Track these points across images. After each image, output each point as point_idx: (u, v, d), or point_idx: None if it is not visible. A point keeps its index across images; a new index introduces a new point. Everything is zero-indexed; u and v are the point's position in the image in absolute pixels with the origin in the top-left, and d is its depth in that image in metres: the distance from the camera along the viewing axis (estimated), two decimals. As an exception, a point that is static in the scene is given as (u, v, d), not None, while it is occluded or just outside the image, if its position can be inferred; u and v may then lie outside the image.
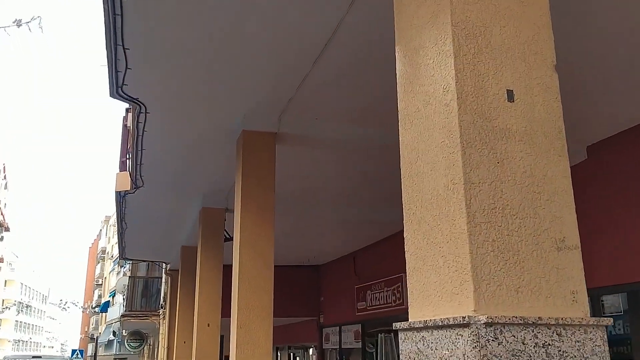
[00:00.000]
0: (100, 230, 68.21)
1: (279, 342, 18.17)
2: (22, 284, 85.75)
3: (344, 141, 6.23)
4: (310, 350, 15.48)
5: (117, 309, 44.86)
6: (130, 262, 15.97)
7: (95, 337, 52.65)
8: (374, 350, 12.31)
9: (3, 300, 67.90)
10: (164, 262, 15.10)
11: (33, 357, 17.06)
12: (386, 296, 11.32)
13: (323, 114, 5.69)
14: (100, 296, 60.74)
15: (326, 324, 14.89)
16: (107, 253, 59.40)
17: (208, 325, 8.10)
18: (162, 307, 15.59)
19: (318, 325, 15.32)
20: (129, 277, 17.03)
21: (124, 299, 20.32)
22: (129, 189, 8.16)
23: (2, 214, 55.46)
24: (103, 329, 49.21)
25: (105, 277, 58.91)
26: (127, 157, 7.75)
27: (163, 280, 16.50)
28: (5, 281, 79.63)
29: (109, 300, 50.58)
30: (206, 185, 8.18)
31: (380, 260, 11.85)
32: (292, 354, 17.72)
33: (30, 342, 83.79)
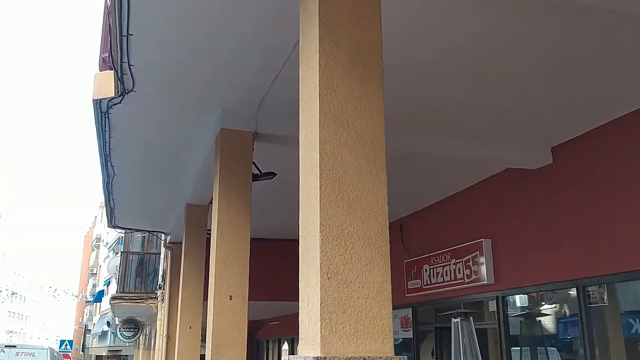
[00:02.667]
0: (96, 217, 65.47)
1: (293, 332, 15.54)
2: (14, 272, 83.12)
3: None
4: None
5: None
6: (123, 231, 13.32)
7: (89, 328, 50.08)
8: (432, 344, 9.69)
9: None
10: (163, 233, 12.43)
11: (6, 346, 14.32)
12: (454, 271, 8.67)
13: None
14: (94, 285, 58.14)
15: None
16: (102, 240, 56.74)
17: (230, 298, 5.44)
18: (160, 288, 12.95)
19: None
20: (121, 252, 14.38)
21: (116, 281, 17.68)
22: (112, 94, 5.48)
23: (-9, 198, 52.66)
24: (97, 320, 46.62)
25: (100, 266, 56.29)
26: (110, 49, 5.09)
27: (161, 256, 13.85)
28: (-3, 270, 76.99)
29: (103, 290, 47.95)
30: (229, 91, 5.53)
31: (443, 225, 9.21)
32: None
33: (22, 332, 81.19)
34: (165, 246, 12.46)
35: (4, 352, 13.97)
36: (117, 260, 19.72)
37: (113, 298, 13.53)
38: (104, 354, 44.82)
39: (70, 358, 24.13)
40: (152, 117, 6.12)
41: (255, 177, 5.97)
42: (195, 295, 8.86)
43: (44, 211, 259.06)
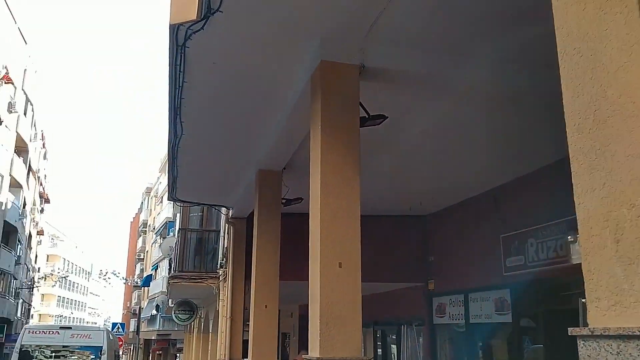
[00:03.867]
0: (142, 203, 66.03)
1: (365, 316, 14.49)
2: (64, 259, 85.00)
3: None
4: (413, 327, 11.72)
5: (159, 283, 42.30)
6: (181, 204, 12.50)
7: (137, 312, 50.47)
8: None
9: (45, 275, 66.70)
10: (224, 207, 11.53)
11: (61, 327, 13.76)
12: (569, 244, 7.42)
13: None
14: (142, 270, 58.66)
15: (439, 292, 11.10)
16: (149, 226, 57.07)
17: (340, 266, 4.39)
18: (221, 267, 12.11)
19: (425, 294, 11.54)
20: (179, 229, 13.61)
21: (171, 261, 17.04)
22: (194, 17, 4.47)
23: (42, 184, 53.48)
24: (145, 304, 46.82)
25: (147, 251, 56.68)
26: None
27: (221, 234, 13.00)
28: (48, 256, 78.80)
29: (151, 274, 48.16)
30: (330, 14, 4.45)
31: (557, 192, 7.94)
32: (380, 331, 14.02)
33: (72, 317, 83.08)
34: (227, 222, 11.58)
35: (59, 333, 13.43)
36: (170, 240, 19.08)
37: (172, 277, 12.77)
38: (153, 337, 45.00)
39: (122, 341, 23.81)
40: (237, 49, 5.08)
41: (363, 121, 4.89)
42: (271, 272, 7.89)
43: (91, 197, 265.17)
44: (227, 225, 11.82)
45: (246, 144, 7.61)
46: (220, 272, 12.28)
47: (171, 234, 25.52)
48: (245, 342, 10.15)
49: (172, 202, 28.72)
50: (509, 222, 8.82)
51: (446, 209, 10.95)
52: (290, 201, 8.33)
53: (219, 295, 12.61)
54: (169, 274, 21.77)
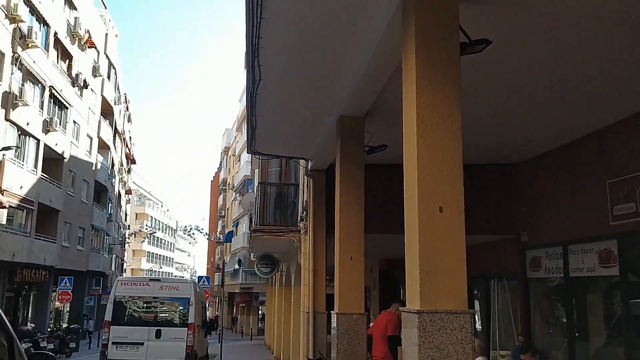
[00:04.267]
0: (220, 162, 67.73)
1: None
2: (151, 217, 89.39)
3: None
4: (505, 282, 11.11)
5: (240, 239, 43.56)
6: (260, 157, 12.38)
7: (220, 266, 52.47)
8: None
9: (135, 232, 70.51)
10: (303, 159, 11.26)
11: (150, 279, 14.25)
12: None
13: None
14: (223, 227, 60.64)
15: (534, 244, 10.41)
16: (228, 184, 58.54)
17: (441, 210, 3.95)
18: (302, 220, 11.96)
19: (518, 247, 10.87)
20: (259, 183, 13.56)
21: (251, 216, 17.17)
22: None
23: (127, 146, 55.87)
24: (228, 259, 48.46)
25: (228, 208, 58.39)
26: None
27: (300, 187, 12.81)
28: (136, 214, 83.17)
29: (232, 231, 49.72)
30: None
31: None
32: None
33: (161, 271, 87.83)
34: (306, 174, 11.33)
35: (148, 285, 13.93)
36: (250, 196, 19.25)
37: (254, 231, 12.81)
38: (236, 291, 46.71)
39: (208, 294, 24.65)
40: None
41: (462, 48, 4.31)
42: (355, 222, 7.54)
43: (174, 157, 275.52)
44: (306, 178, 11.58)
45: (326, 88, 7.18)
46: (301, 225, 12.14)
47: (250, 190, 25.87)
48: (329, 296, 10.02)
49: (250, 155, 29.08)
50: (617, 167, 7.96)
51: (541, 156, 10.13)
52: (374, 149, 7.88)
53: (300, 249, 12.51)
54: (249, 229, 22.13)
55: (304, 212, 11.99)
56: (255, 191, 18.40)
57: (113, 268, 47.71)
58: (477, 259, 12.26)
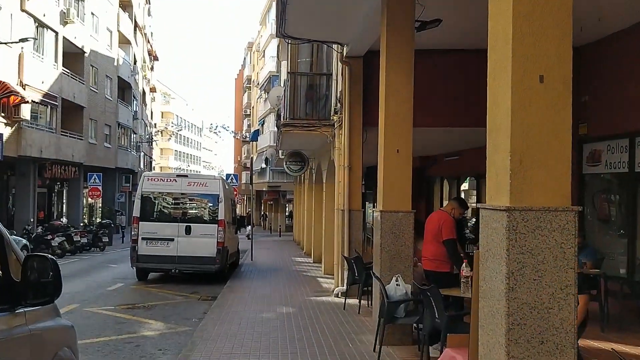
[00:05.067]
0: (244, 58, 65.93)
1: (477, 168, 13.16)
2: (177, 115, 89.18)
3: None
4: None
5: (267, 137, 43.04)
6: (290, 41, 11.29)
7: (247, 165, 52.49)
8: None
9: (160, 130, 70.58)
10: (339, 43, 10.17)
11: (177, 175, 13.77)
12: None
13: None
14: (249, 126, 60.13)
15: (594, 136, 9.44)
16: (253, 81, 57.25)
17: (541, 80, 3.04)
18: (336, 113, 11.08)
19: (575, 139, 9.89)
20: (288, 73, 12.56)
21: (279, 111, 16.31)
22: None
23: (149, 42, 54.33)
24: (255, 158, 48.33)
25: (253, 107, 57.53)
26: None
27: (333, 77, 11.80)
28: (162, 113, 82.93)
29: (258, 129, 49.12)
30: None
31: None
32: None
33: (189, 169, 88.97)
34: (341, 61, 10.30)
35: (176, 181, 13.47)
36: (278, 90, 18.30)
37: (283, 125, 12.01)
38: (263, 189, 46.98)
39: (236, 191, 24.46)
40: None
41: None
42: (403, 111, 6.65)
43: (196, 55, 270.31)
44: (341, 66, 10.55)
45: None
46: (335, 119, 11.28)
47: (276, 85, 24.77)
48: (365, 194, 9.39)
49: (277, 49, 27.74)
50: None
51: (606, 39, 8.90)
52: (426, 24, 6.82)
53: (334, 145, 11.75)
54: (276, 126, 21.37)
55: (338, 104, 11.09)
56: (283, 84, 17.40)
57: (142, 166, 48.08)
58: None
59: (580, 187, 9.96)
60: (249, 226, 23.96)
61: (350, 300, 9.55)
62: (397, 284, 6.22)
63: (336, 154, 11.14)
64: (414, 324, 6.31)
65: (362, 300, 9.24)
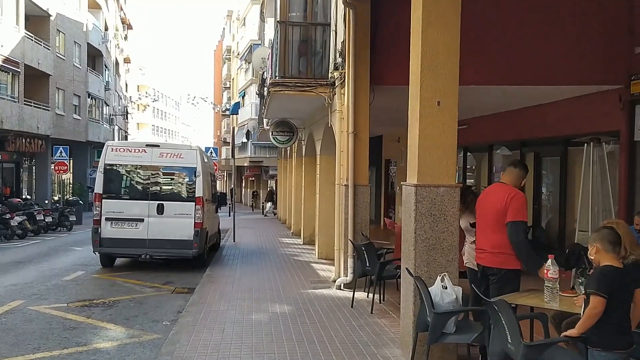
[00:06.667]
0: (224, 28, 63.09)
1: (534, 132, 11.50)
2: (153, 89, 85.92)
3: None
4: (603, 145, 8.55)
5: (248, 110, 40.85)
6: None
7: (227, 140, 50.20)
8: None
9: (138, 105, 67.61)
10: (343, -19, 8.26)
11: (147, 145, 11.75)
12: None
13: None
14: (229, 99, 57.69)
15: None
16: (233, 52, 54.65)
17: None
18: (337, 69, 9.20)
19: (625, 100, 8.23)
20: (278, 22, 10.56)
21: (264, 75, 14.40)
22: None
23: (122, 9, 51.33)
24: (236, 132, 46.18)
25: (233, 78, 55.03)
26: None
27: (332, 27, 9.90)
28: (138, 86, 79.70)
29: (239, 102, 46.83)
30: None
31: None
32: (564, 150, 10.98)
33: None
34: (344, 3, 8.40)
35: (145, 152, 11.48)
36: (263, 51, 16.29)
37: (273, 85, 10.07)
38: (245, 164, 44.88)
39: (217, 166, 22.48)
40: None
41: None
42: (449, 47, 4.79)
43: (172, 26, 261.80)
44: (344, 10, 8.66)
45: None
46: (336, 75, 9.40)
47: (260, 45, 22.54)
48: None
49: (259, 16, 25.33)
50: None
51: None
52: None
53: (332, 108, 9.91)
54: (259, 94, 19.33)
55: (339, 58, 9.22)
56: (269, 44, 15.37)
57: (116, 140, 45.59)
58: (567, 118, 9.70)
59: (630, 156, 8.34)
60: (269, 203, 22.02)
61: (357, 295, 7.83)
62: (443, 287, 4.48)
63: (337, 118, 9.31)
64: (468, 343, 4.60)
65: (373, 295, 7.52)
